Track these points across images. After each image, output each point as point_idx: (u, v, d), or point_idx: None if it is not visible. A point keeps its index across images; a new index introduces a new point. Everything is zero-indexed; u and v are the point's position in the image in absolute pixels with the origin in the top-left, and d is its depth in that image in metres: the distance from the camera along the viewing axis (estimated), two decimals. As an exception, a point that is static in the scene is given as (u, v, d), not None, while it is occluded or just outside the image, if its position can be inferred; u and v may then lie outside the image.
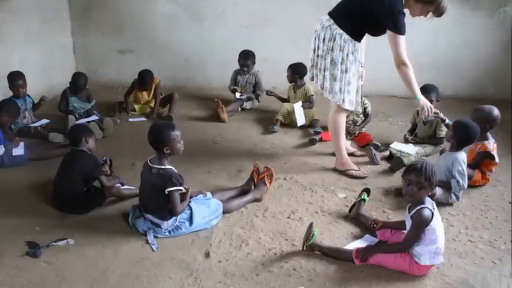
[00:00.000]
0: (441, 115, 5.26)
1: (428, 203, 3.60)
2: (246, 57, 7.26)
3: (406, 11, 4.71)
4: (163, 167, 4.08)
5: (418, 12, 4.72)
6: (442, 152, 5.32)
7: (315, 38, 4.99)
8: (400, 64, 4.72)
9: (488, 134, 5.02)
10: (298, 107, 6.55)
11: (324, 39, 4.88)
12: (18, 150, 5.41)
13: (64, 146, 5.59)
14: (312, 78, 5.19)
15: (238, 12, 7.87)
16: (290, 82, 6.97)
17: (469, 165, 4.83)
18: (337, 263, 3.77)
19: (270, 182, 4.83)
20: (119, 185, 4.75)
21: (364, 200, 4.45)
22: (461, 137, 4.67)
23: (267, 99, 7.31)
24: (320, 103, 6.46)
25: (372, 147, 5.58)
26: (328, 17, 4.91)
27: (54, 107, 6.68)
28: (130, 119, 6.88)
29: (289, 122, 6.67)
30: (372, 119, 6.49)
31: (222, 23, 7.93)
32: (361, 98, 5.45)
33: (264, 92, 7.34)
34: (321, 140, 6.08)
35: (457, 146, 4.71)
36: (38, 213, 4.45)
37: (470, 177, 4.80)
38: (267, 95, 7.18)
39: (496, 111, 5.00)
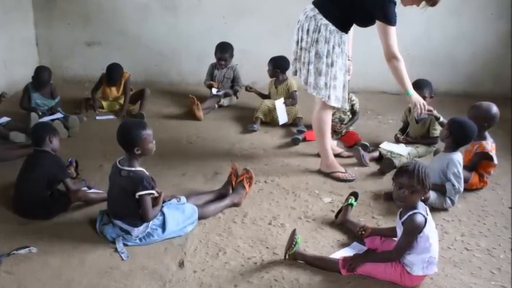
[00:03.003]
0: (435, 113, 5.28)
1: (421, 208, 3.60)
2: (224, 50, 7.24)
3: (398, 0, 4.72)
4: (133, 169, 4.06)
5: (410, 1, 4.73)
6: (436, 152, 5.36)
7: (298, 29, 4.99)
8: (391, 57, 4.73)
9: (487, 134, 5.05)
10: (279, 104, 6.55)
11: (307, 30, 4.88)
12: (-24, 151, 5.37)
13: (26, 146, 5.54)
14: (295, 73, 5.19)
15: (215, 1, 7.85)
16: (271, 77, 6.97)
17: (466, 167, 4.84)
18: (322, 273, 3.76)
19: (250, 186, 4.83)
20: (85, 188, 4.72)
21: (351, 204, 4.45)
22: (457, 136, 4.67)
23: (246, 96, 7.31)
24: (304, 100, 6.47)
25: (360, 148, 5.58)
26: (312, 6, 4.91)
27: (16, 104, 6.63)
28: (97, 117, 6.86)
29: (270, 120, 6.68)
30: (360, 117, 6.51)
31: (197, 13, 7.92)
32: (349, 94, 5.45)
33: (242, 88, 7.33)
34: (304, 139, 6.10)
35: (453, 146, 4.72)
36: (-3, 219, 4.43)
37: (466, 180, 4.80)
38: (246, 90, 7.18)
39: (494, 109, 5.02)
